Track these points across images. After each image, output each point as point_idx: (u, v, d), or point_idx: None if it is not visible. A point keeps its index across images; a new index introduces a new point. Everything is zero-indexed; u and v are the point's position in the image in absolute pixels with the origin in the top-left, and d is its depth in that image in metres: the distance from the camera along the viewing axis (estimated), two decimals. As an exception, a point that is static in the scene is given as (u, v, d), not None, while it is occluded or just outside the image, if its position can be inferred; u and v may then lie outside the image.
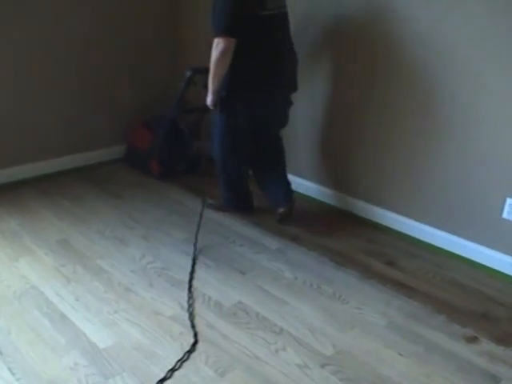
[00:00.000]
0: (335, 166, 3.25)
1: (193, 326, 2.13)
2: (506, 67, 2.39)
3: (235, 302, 2.32)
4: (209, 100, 2.70)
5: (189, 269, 2.53)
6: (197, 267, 2.56)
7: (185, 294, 2.35)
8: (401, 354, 2.05)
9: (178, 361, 1.94)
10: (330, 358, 2.01)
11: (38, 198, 3.21)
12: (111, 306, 2.25)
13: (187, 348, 2.02)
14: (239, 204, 3.13)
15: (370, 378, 1.92)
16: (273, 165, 3.06)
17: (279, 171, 3.06)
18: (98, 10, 3.49)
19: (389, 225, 3.01)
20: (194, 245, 2.71)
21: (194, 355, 1.99)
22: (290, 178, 3.13)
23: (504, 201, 2.53)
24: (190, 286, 2.40)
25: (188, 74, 3.09)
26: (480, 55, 2.45)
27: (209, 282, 2.45)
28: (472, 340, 2.15)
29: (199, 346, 2.04)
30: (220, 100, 2.69)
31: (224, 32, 2.48)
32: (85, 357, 1.95)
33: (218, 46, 2.49)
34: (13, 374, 1.86)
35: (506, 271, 2.59)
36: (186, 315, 2.21)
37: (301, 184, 3.37)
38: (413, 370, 1.97)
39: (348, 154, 3.14)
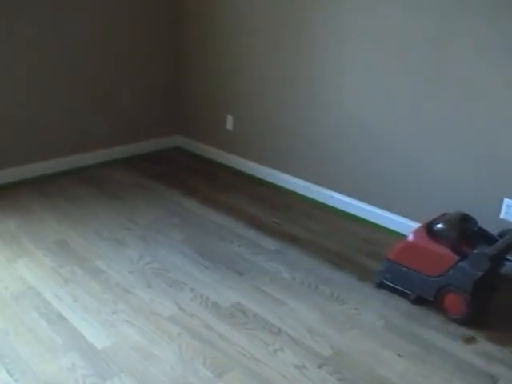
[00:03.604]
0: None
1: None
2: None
3: (233, 302, 2.32)
4: None
5: (187, 269, 2.54)
6: (195, 268, 2.57)
7: (183, 294, 2.35)
8: (399, 355, 2.05)
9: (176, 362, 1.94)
10: (328, 359, 2.01)
11: (36, 199, 3.21)
12: (109, 306, 2.25)
13: (185, 349, 2.02)
14: None
15: (367, 379, 1.92)
16: None
17: None
18: (98, 12, 3.50)
19: (387, 226, 3.02)
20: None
21: (192, 356, 1.99)
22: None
23: (501, 201, 2.54)
24: None
25: None
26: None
27: (206, 283, 2.45)
28: (470, 340, 2.16)
29: (197, 346, 2.04)
30: None
31: None
32: (82, 358, 1.95)
33: None
34: (11, 374, 1.86)
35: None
36: (184, 316, 2.21)
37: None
38: (411, 371, 1.98)
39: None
